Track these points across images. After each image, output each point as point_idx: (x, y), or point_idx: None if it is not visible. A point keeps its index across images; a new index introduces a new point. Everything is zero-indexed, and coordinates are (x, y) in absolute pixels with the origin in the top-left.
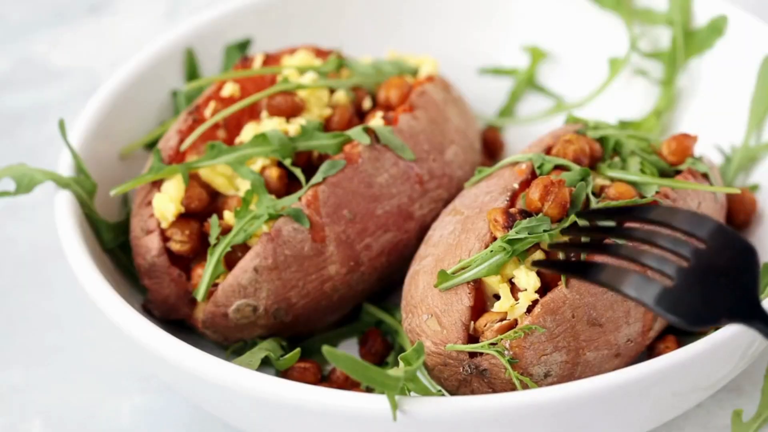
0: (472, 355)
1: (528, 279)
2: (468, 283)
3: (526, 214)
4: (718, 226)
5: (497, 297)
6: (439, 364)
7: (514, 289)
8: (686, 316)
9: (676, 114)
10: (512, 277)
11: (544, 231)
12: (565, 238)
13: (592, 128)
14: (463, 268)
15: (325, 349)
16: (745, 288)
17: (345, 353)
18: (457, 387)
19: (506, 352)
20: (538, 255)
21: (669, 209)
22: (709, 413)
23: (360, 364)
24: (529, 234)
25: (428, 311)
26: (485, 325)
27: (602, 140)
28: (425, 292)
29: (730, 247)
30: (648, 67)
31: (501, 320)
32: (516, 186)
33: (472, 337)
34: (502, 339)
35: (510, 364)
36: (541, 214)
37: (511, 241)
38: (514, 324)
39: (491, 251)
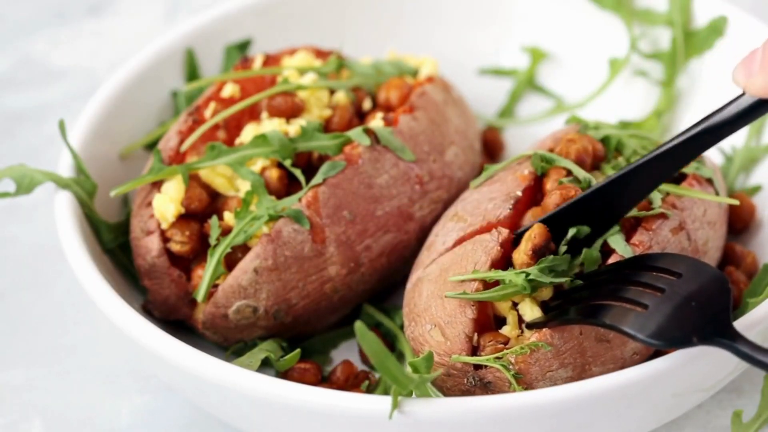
0: (477, 367)
1: (532, 313)
2: None
3: (546, 250)
4: (691, 260)
5: (500, 317)
6: (442, 375)
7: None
8: (661, 338)
9: (677, 114)
10: (518, 303)
11: (563, 271)
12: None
13: (593, 128)
14: (472, 281)
15: (358, 325)
16: (717, 310)
17: (374, 335)
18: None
19: (511, 367)
20: (546, 293)
21: (650, 256)
22: (709, 414)
23: (383, 352)
24: (550, 272)
25: (432, 321)
26: (489, 342)
27: (604, 140)
28: (429, 302)
29: (703, 277)
30: (648, 68)
31: (504, 343)
32: (519, 193)
33: (476, 349)
34: (507, 354)
35: (515, 379)
36: (561, 255)
37: (531, 280)
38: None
39: (510, 281)
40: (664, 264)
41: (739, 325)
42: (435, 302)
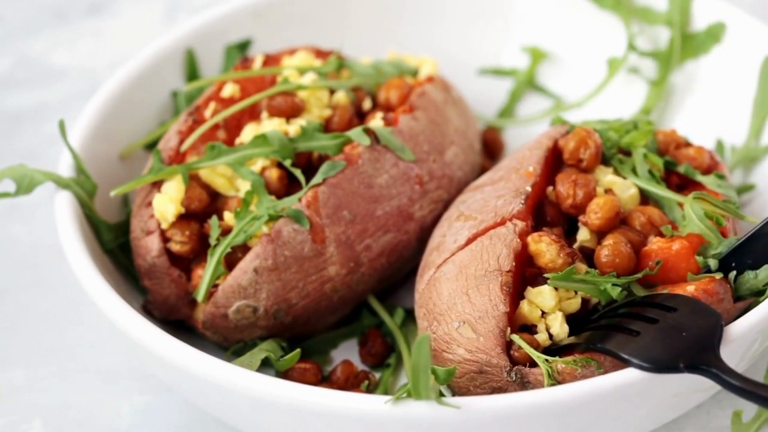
0: (514, 363)
1: (561, 330)
2: (503, 288)
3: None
4: (690, 299)
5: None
6: (472, 372)
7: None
8: (650, 362)
9: (670, 113)
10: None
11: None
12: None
13: (578, 126)
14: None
15: (422, 337)
16: (706, 342)
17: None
18: (488, 395)
19: (556, 375)
20: (575, 304)
21: (658, 295)
22: (709, 414)
23: (427, 360)
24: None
25: (460, 318)
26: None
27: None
28: (453, 299)
29: (697, 312)
30: (644, 66)
31: (536, 346)
32: (528, 189)
33: (509, 345)
34: (557, 361)
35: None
36: (595, 272)
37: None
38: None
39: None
40: (663, 301)
41: (737, 327)
42: (460, 299)
